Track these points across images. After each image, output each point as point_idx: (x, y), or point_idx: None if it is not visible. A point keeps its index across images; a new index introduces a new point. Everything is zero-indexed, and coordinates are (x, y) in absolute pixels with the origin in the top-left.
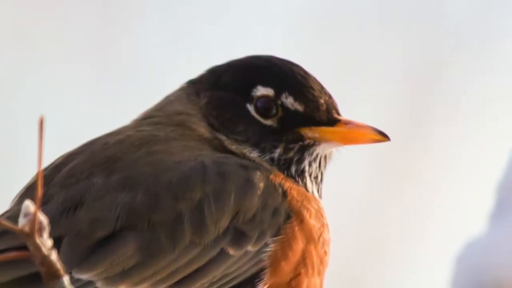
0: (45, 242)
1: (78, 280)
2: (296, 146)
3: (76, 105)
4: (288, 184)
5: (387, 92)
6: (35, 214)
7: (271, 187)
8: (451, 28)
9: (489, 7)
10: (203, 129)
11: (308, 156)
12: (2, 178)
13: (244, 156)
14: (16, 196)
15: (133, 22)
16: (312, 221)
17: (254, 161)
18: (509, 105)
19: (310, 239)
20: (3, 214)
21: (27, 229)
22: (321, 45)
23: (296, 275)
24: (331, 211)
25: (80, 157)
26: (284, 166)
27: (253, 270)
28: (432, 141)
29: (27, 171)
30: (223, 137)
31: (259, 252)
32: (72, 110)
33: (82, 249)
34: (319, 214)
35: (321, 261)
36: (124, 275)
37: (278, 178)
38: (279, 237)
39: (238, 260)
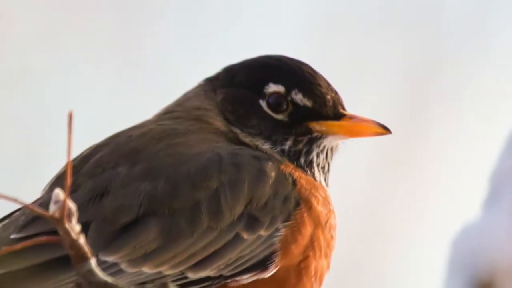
0: (74, 227)
1: (104, 262)
2: (305, 139)
3: (102, 100)
4: (297, 174)
5: (389, 88)
6: (64, 201)
7: (282, 177)
8: (448, 29)
9: (484, 9)
10: (219, 123)
11: (316, 148)
12: (34, 168)
13: (257, 148)
14: (47, 185)
15: (154, 24)
16: (319, 208)
17: (266, 152)
18: (501, 100)
19: (317, 224)
20: (35, 202)
21: (57, 215)
22: (327, 45)
23: (305, 258)
24: (337, 199)
25: (106, 148)
26: (294, 157)
27: (265, 252)
28: (430, 134)
29: (57, 162)
30: (237, 131)
31: (271, 236)
32: (98, 106)
33: (108, 234)
34: (326, 202)
35: (328, 245)
36: (146, 257)
37: (288, 168)
38: (289, 222)
39: (251, 243)
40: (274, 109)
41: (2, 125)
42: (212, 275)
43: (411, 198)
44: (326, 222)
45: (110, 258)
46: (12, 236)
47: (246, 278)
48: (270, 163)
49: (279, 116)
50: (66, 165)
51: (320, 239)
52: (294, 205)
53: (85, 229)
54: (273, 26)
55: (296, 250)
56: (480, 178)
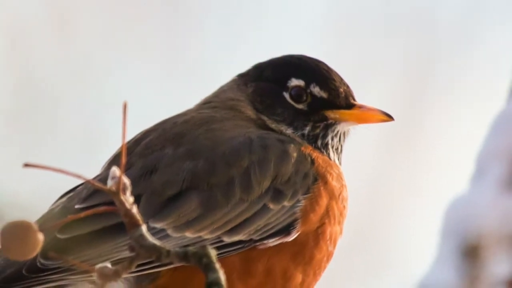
0: (128, 198)
1: (153, 228)
2: (321, 125)
3: (151, 93)
4: (315, 154)
5: (391, 82)
6: (120, 177)
7: (302, 156)
8: (441, 32)
9: (473, 14)
10: (249, 112)
11: (331, 132)
12: (95, 150)
13: (281, 133)
14: (105, 164)
15: (196, 29)
16: (334, 183)
17: (289, 136)
18: (487, 93)
19: (332, 196)
20: (95, 177)
21: (114, 188)
22: (340, 46)
23: (322, 224)
24: (348, 175)
25: (154, 133)
26: (312, 140)
27: (288, 220)
28: (426, 121)
29: (113, 145)
30: (265, 118)
31: (293, 206)
32: (148, 97)
33: (156, 204)
34: (339, 178)
35: (341, 214)
36: (188, 224)
37: (308, 149)
38: (308, 195)
39: (276, 212)
40: (296, 100)
41: (68, 114)
42: (244, 239)
43: (410, 175)
44: (339, 195)
45: (158, 225)
46: (76, 206)
47: (272, 242)
48: (292, 145)
49: (300, 106)
50: (121, 147)
51: (334, 209)
52: (313, 180)
53: (137, 200)
54: (295, 31)
55: (314, 218)
56: (468, 158)
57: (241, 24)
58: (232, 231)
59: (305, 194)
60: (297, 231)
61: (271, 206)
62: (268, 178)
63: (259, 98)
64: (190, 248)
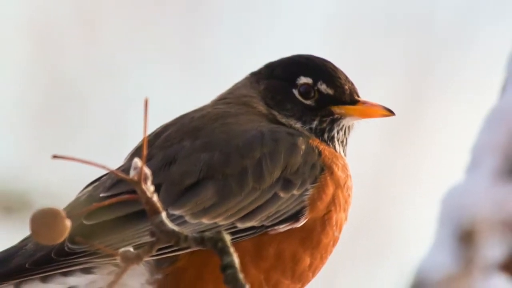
0: (149, 187)
1: (172, 215)
2: (328, 119)
3: (170, 90)
4: (322, 146)
5: (393, 80)
6: (141, 168)
7: (310, 148)
8: (439, 33)
9: (469, 15)
10: (261, 107)
11: (337, 126)
12: (118, 142)
13: (290, 127)
14: (128, 155)
15: (211, 30)
16: (339, 173)
17: (298, 130)
18: (481, 90)
19: (338, 185)
20: (118, 168)
21: (136, 178)
22: (345, 46)
23: (328, 211)
24: (352, 165)
25: (173, 127)
26: (319, 133)
27: (297, 208)
28: (425, 115)
29: (135, 138)
30: (276, 113)
31: (301, 195)
32: (167, 94)
33: (175, 193)
34: (344, 168)
35: (346, 201)
36: (205, 211)
37: (315, 142)
38: (316, 184)
39: (286, 200)
40: (304, 96)
41: (94, 110)
42: (256, 225)
43: (409, 166)
44: (344, 184)
45: (176, 212)
46: (101, 195)
47: (282, 228)
48: (301, 138)
49: (308, 102)
50: (143, 140)
51: (340, 197)
52: (320, 171)
53: (157, 189)
54: (303, 33)
55: (321, 206)
56: (464, 150)
57: (254, 27)
58: (245, 217)
59: (313, 183)
60: (305, 218)
61: (281, 194)
62: (279, 168)
63: (270, 95)
64: (206, 234)
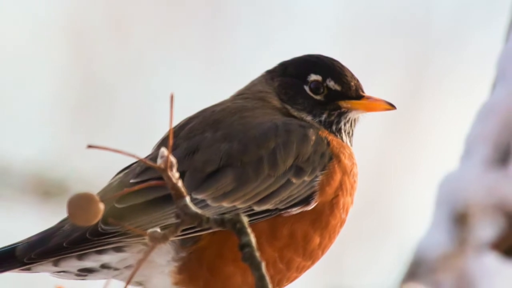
0: (174, 174)
1: (195, 199)
2: (336, 113)
3: (194, 86)
4: (330, 137)
5: (394, 77)
6: (168, 156)
7: (319, 139)
8: (436, 34)
9: (462, 17)
10: (276, 102)
11: (344, 119)
12: (147, 134)
13: (302, 119)
14: (155, 145)
15: (231, 32)
16: (346, 161)
17: (308, 122)
18: (474, 85)
19: (345, 172)
20: (147, 157)
21: (162, 166)
22: (351, 47)
23: (336, 196)
24: (358, 154)
25: (196, 120)
26: (328, 125)
27: (308, 192)
28: (423, 109)
29: (162, 129)
30: (288, 107)
31: (312, 181)
32: (191, 90)
33: (198, 179)
34: (351, 157)
35: (352, 187)
36: (224, 196)
37: (324, 133)
38: (325, 171)
39: (298, 186)
40: (314, 92)
41: (124, 104)
42: (271, 208)
43: (409, 154)
44: (350, 171)
45: (199, 196)
46: (131, 181)
47: (295, 210)
48: (311, 130)
49: (318, 97)
50: (169, 131)
51: (347, 183)
52: (328, 159)
53: (182, 176)
54: (314, 35)
55: (330, 191)
56: (458, 140)
57: (269, 29)
58: (261, 201)
59: (322, 170)
60: (315, 202)
61: (294, 180)
62: (291, 157)
63: (284, 91)
64: (226, 216)
